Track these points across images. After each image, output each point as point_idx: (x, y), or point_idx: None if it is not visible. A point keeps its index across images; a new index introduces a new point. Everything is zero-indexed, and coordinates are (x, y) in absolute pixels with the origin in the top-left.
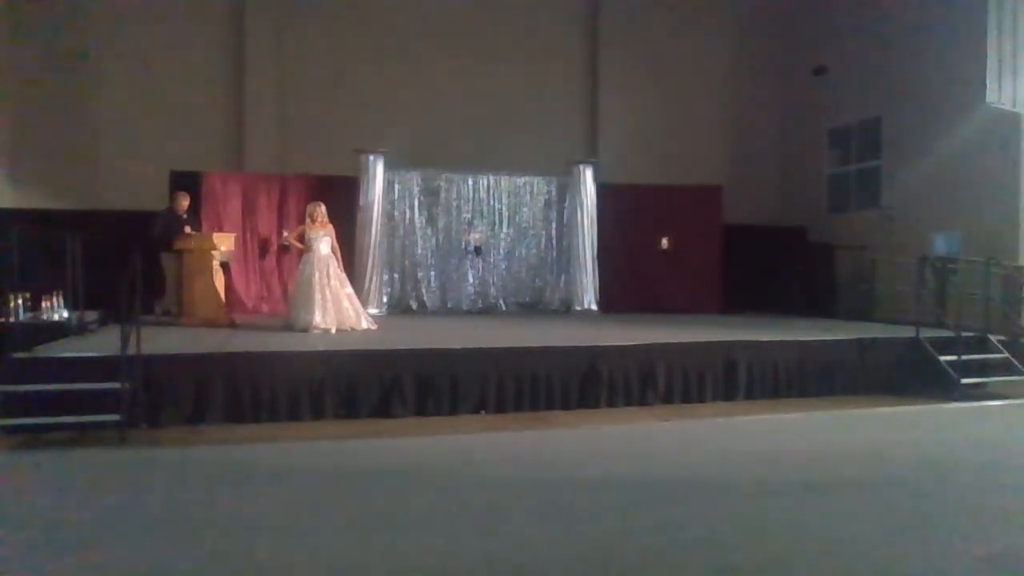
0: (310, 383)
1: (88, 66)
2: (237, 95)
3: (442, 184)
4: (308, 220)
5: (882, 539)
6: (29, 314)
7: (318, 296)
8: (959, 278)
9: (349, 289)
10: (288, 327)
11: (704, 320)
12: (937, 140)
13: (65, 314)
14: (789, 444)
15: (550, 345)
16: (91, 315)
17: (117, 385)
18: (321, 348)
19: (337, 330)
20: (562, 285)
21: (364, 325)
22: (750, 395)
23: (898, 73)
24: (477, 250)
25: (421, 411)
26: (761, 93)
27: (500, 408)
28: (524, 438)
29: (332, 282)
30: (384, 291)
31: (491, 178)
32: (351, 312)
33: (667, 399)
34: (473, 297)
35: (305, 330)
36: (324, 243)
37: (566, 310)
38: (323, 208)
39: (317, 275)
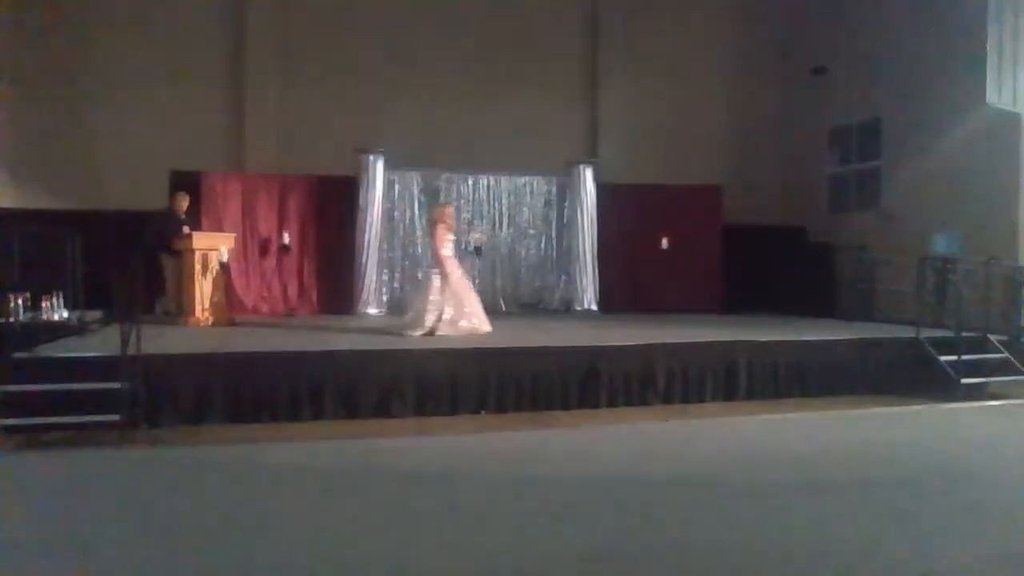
0: (310, 383)
1: (88, 66)
2: (237, 95)
3: (442, 184)
4: (441, 224)
5: (882, 539)
6: (29, 314)
7: (446, 301)
8: (959, 278)
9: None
10: (404, 329)
11: (704, 320)
12: (937, 140)
13: (65, 314)
14: (789, 444)
15: (550, 345)
16: (92, 315)
17: (117, 385)
18: (321, 348)
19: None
20: (562, 285)
21: (486, 328)
22: (750, 395)
23: (898, 73)
24: (477, 250)
25: (421, 411)
26: (761, 93)
27: (500, 408)
28: (524, 438)
29: (458, 283)
30: (384, 291)
31: (491, 178)
32: (475, 313)
33: (667, 399)
34: None
35: (431, 334)
36: (452, 246)
37: (566, 310)
38: (451, 209)
39: (454, 278)
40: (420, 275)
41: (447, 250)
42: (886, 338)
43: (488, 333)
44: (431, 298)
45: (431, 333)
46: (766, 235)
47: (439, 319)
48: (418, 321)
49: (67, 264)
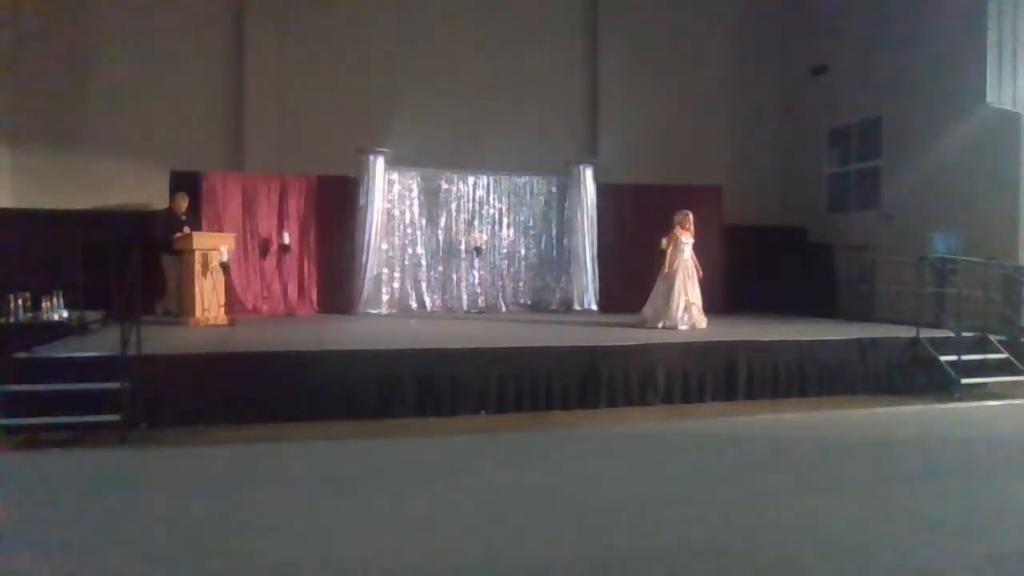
0: (310, 383)
1: (88, 66)
2: (237, 95)
3: (442, 184)
4: (679, 228)
5: (883, 539)
6: (29, 314)
7: (682, 297)
8: (959, 278)
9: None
10: (642, 322)
11: None
12: (937, 140)
13: (65, 314)
14: (789, 444)
15: (550, 345)
16: (92, 315)
17: (117, 385)
18: (321, 348)
19: (688, 328)
20: (562, 285)
21: (704, 324)
22: (750, 395)
23: (898, 73)
24: (477, 250)
25: (421, 411)
26: (761, 93)
27: (500, 408)
28: (524, 438)
29: (693, 283)
30: (384, 291)
31: (491, 178)
32: (699, 312)
33: (667, 399)
34: (473, 297)
35: (674, 327)
36: (689, 247)
37: (566, 310)
38: (692, 216)
39: (682, 276)
40: (660, 274)
41: (685, 252)
42: (886, 338)
43: (704, 329)
44: (666, 292)
45: (672, 326)
46: (766, 235)
47: (676, 313)
48: (660, 314)
49: (67, 264)
